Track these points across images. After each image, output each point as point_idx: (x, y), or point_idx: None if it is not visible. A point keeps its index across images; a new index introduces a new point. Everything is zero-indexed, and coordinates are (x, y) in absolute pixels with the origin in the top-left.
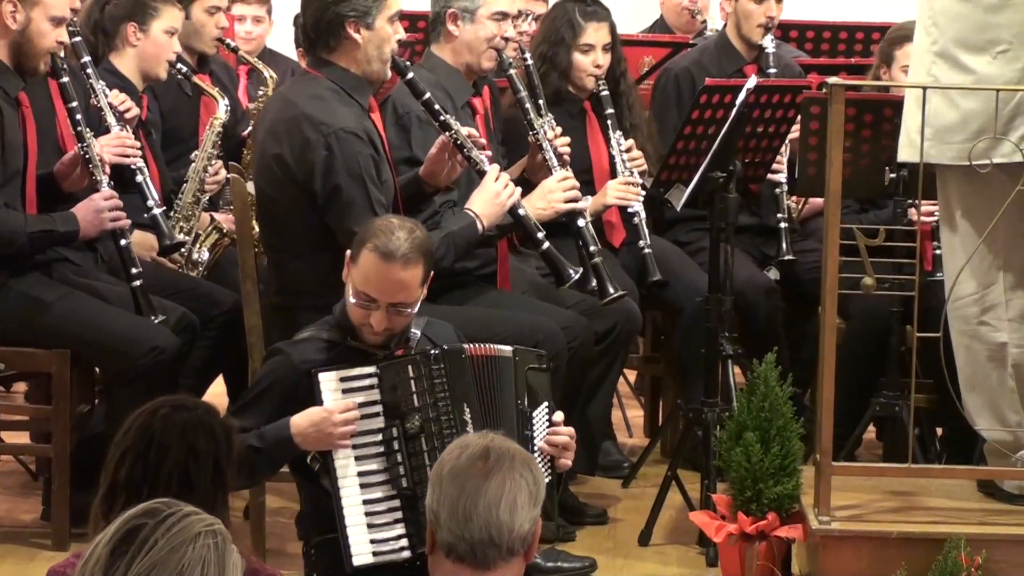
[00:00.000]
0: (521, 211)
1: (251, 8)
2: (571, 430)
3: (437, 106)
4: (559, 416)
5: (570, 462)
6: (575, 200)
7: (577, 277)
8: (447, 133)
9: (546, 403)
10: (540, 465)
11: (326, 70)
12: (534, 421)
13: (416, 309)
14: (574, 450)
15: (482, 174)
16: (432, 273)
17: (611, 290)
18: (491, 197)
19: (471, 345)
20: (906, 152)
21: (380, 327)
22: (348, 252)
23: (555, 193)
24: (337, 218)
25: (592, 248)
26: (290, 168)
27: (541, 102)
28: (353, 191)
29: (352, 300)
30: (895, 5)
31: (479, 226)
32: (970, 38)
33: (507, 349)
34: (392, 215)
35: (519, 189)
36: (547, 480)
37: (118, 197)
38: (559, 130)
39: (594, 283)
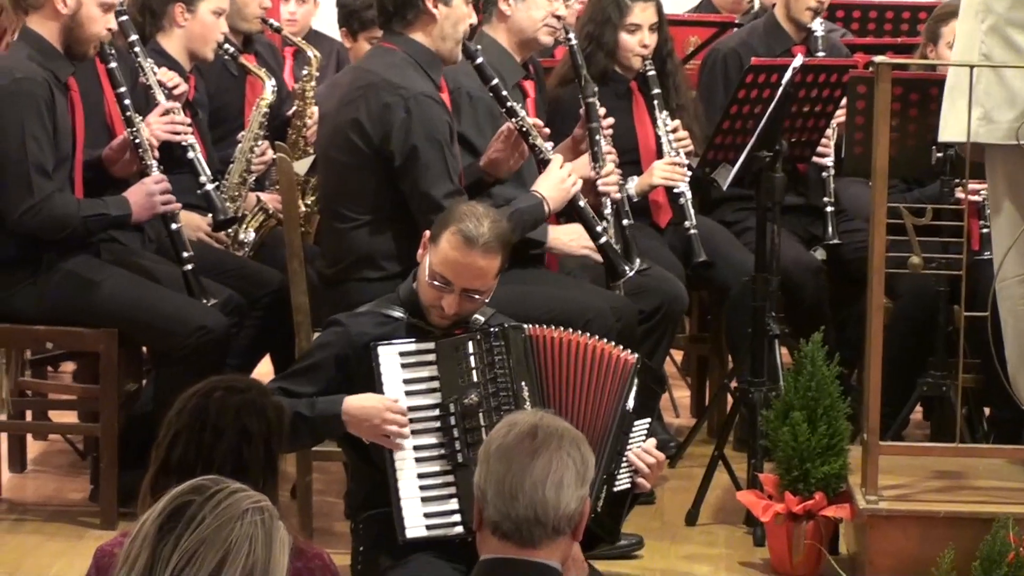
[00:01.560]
0: (581, 203)
1: None
2: (662, 455)
3: (504, 92)
4: (653, 441)
5: (649, 486)
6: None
7: (632, 275)
8: (514, 120)
9: (649, 419)
10: (624, 473)
11: (402, 43)
12: (635, 428)
13: (488, 297)
14: (657, 477)
15: (546, 163)
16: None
17: (624, 269)
18: (558, 182)
19: (535, 326)
20: (949, 131)
21: (451, 310)
22: (426, 233)
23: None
24: (412, 181)
25: (599, 229)
26: (367, 132)
27: (596, 109)
28: (430, 154)
29: (427, 280)
30: None
31: (545, 208)
32: (1021, 16)
33: (634, 356)
34: (476, 203)
35: (581, 182)
36: (620, 490)
37: (168, 180)
38: (603, 111)
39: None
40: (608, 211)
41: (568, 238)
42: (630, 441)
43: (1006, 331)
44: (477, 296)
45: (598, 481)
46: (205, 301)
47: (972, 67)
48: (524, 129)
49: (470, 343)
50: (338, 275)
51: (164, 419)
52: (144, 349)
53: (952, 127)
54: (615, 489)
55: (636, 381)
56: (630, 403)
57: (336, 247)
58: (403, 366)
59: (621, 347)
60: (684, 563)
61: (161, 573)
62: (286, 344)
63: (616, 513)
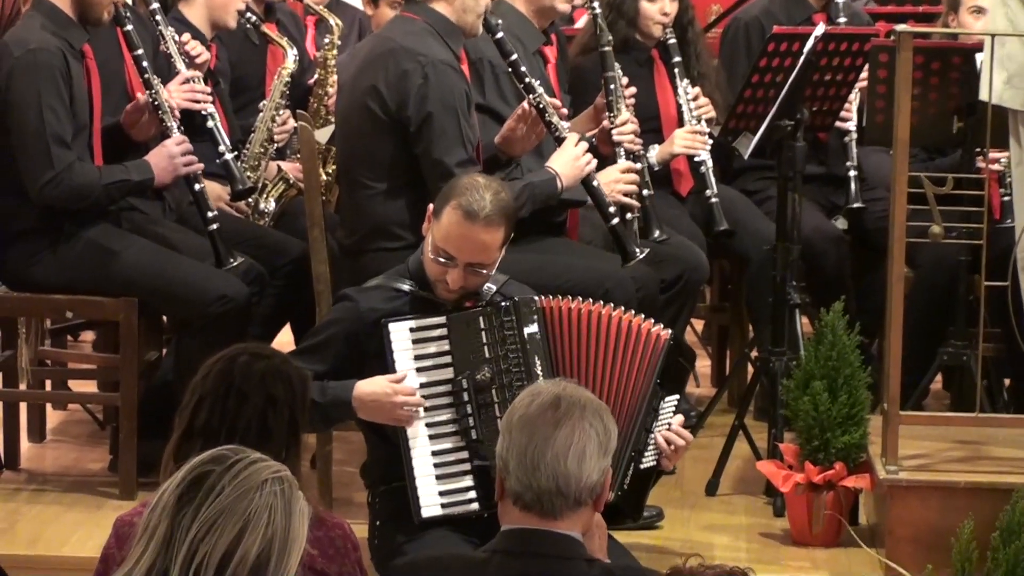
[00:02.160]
0: (595, 183)
1: None
2: (690, 436)
3: (523, 68)
4: (679, 419)
5: (673, 465)
6: (631, 195)
7: (643, 256)
8: (531, 96)
9: (678, 396)
10: (651, 451)
11: (423, 13)
12: (664, 405)
13: (493, 270)
14: (681, 456)
15: (561, 140)
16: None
17: (634, 251)
18: (571, 159)
19: (549, 298)
20: (984, 93)
21: (456, 285)
22: (431, 206)
23: (618, 184)
24: (426, 147)
25: (611, 210)
26: (383, 98)
27: (611, 59)
28: (445, 121)
29: (431, 255)
30: None
31: (558, 183)
32: None
33: (667, 332)
34: (479, 174)
35: (596, 161)
36: (646, 467)
37: (189, 142)
38: (626, 80)
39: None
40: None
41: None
42: (659, 418)
43: None
44: (483, 270)
45: (625, 458)
46: (232, 261)
47: (993, 36)
48: (541, 106)
49: (481, 318)
50: (357, 244)
51: (187, 386)
52: (164, 318)
53: (985, 90)
54: (641, 467)
55: (667, 358)
56: (660, 380)
57: (353, 216)
58: (414, 342)
59: (652, 321)
60: (704, 533)
61: (180, 543)
62: (306, 313)
63: (641, 490)
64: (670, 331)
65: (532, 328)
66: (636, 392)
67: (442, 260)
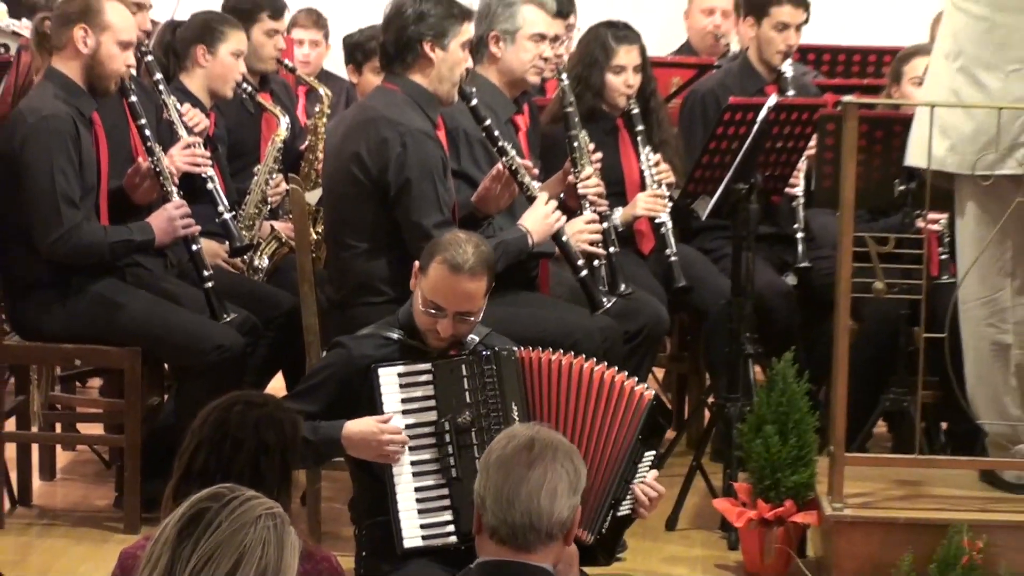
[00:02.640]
0: (564, 237)
1: (309, 33)
2: (663, 488)
3: (497, 133)
4: (655, 473)
5: (648, 515)
6: (596, 244)
7: (610, 306)
8: (504, 159)
9: (654, 452)
10: (627, 502)
11: (402, 84)
12: (644, 458)
13: (479, 318)
14: (656, 507)
15: (533, 199)
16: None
17: (602, 301)
18: (542, 217)
19: (526, 349)
20: (915, 158)
21: (446, 334)
22: (416, 263)
23: (583, 233)
24: (405, 211)
25: (579, 263)
26: (366, 164)
27: (576, 119)
28: (423, 186)
29: (421, 308)
30: (903, 30)
31: (529, 240)
32: (987, 58)
33: (651, 392)
34: (459, 230)
35: (565, 217)
36: (622, 515)
37: (187, 206)
38: (593, 146)
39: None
40: (587, 214)
41: (542, 224)
42: (638, 472)
43: (967, 350)
44: (471, 318)
45: (605, 506)
46: (225, 316)
47: (933, 106)
48: (513, 168)
49: (463, 366)
50: (343, 299)
51: (187, 430)
52: (166, 366)
53: (916, 155)
54: (619, 514)
55: (649, 417)
56: (641, 436)
57: (340, 273)
58: (401, 386)
59: (636, 380)
60: (664, 565)
61: (181, 574)
62: (297, 363)
63: (617, 535)
64: (652, 392)
65: (511, 377)
66: (619, 446)
67: (432, 312)
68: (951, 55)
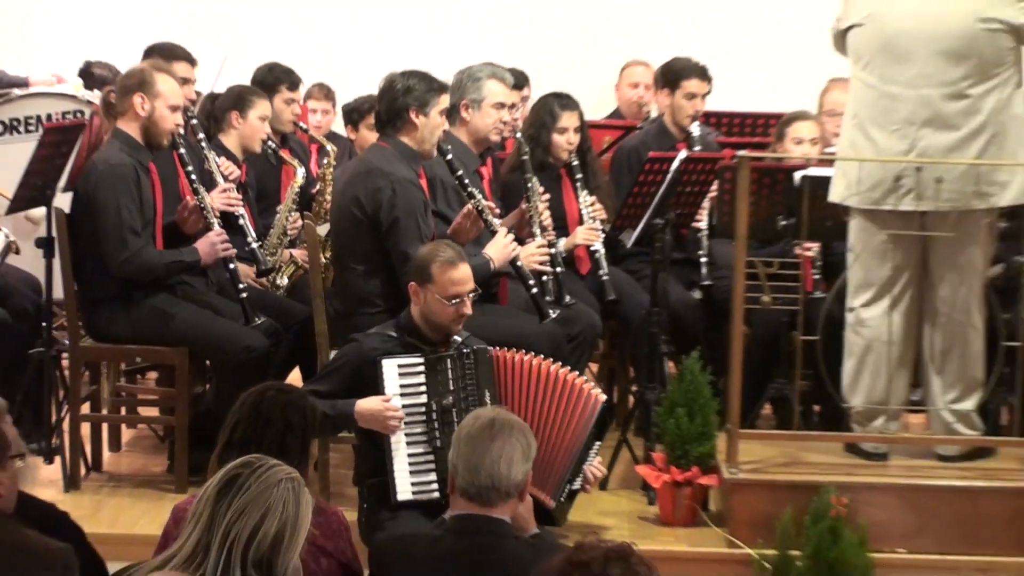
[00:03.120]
0: (519, 262)
1: (320, 103)
2: (605, 471)
3: (467, 181)
4: (599, 459)
5: (591, 489)
6: (544, 264)
7: (555, 316)
8: (472, 201)
9: (599, 443)
10: (579, 480)
11: (392, 143)
12: (594, 446)
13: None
14: (597, 483)
15: (494, 233)
16: None
17: (548, 313)
18: (501, 247)
19: (499, 348)
20: (832, 195)
21: (470, 310)
22: (412, 284)
23: (534, 256)
24: (394, 242)
25: (531, 282)
26: (363, 205)
27: (529, 168)
28: (408, 223)
29: (443, 307)
30: (786, 99)
31: (492, 265)
32: (876, 118)
33: (603, 397)
34: (429, 243)
35: (520, 246)
36: (574, 489)
37: (226, 234)
38: (542, 189)
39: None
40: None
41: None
42: (589, 456)
43: (846, 349)
44: (472, 295)
45: (564, 482)
46: (256, 319)
47: (809, 161)
48: (479, 208)
49: (448, 360)
50: (346, 310)
51: (225, 411)
52: (207, 363)
53: (831, 193)
54: (572, 488)
55: (601, 415)
56: (594, 431)
57: (343, 290)
58: (400, 375)
59: (592, 384)
60: (598, 517)
61: (219, 525)
62: (311, 360)
63: (570, 503)
64: (604, 396)
65: (486, 371)
66: (577, 435)
67: (455, 302)
68: (851, 114)
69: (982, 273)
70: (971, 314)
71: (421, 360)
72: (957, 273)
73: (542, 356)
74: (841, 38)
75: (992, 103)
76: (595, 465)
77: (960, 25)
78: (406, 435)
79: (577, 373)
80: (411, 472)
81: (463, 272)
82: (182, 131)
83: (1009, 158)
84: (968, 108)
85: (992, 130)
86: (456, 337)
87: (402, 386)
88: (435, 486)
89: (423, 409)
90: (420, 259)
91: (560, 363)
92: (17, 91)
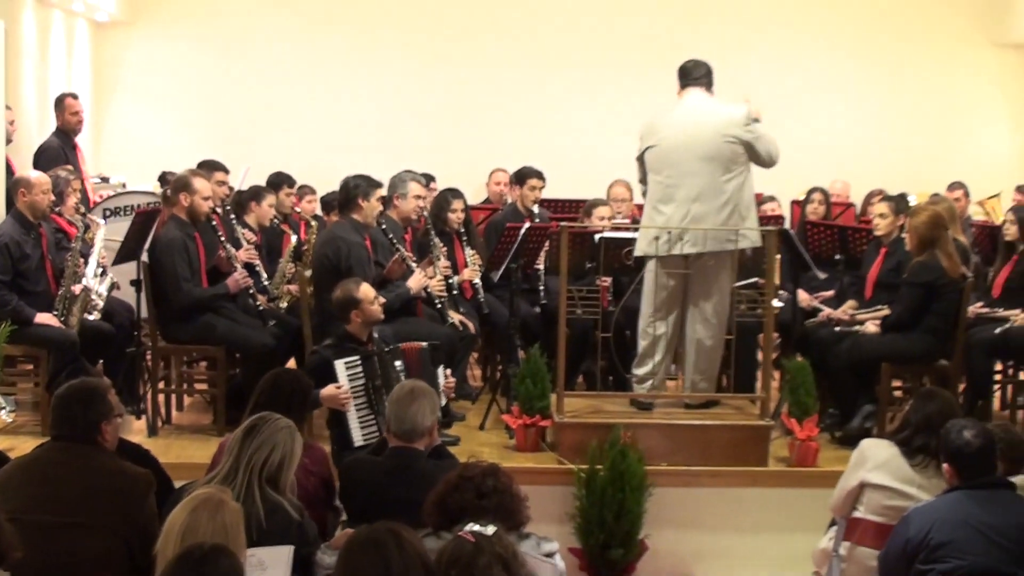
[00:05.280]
0: (428, 290)
1: (307, 196)
2: (454, 380)
3: (395, 241)
4: (448, 372)
5: (452, 395)
6: (442, 291)
7: (451, 322)
8: (398, 254)
9: (443, 366)
10: (440, 394)
11: (348, 219)
12: (438, 374)
13: None
14: (451, 392)
15: (412, 272)
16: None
17: (448, 321)
18: (417, 281)
19: (406, 344)
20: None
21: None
22: (351, 312)
23: (436, 287)
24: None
25: (436, 302)
26: (330, 258)
27: (433, 233)
28: (357, 269)
29: (369, 314)
30: (594, 186)
31: (410, 292)
32: (664, 199)
33: (424, 344)
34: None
35: (428, 281)
36: (443, 402)
37: (247, 275)
38: (442, 245)
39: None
40: (438, 276)
41: (416, 285)
42: (439, 378)
43: (640, 342)
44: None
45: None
46: (271, 322)
47: (604, 231)
48: (403, 258)
49: (375, 356)
50: (322, 323)
51: (251, 388)
52: (237, 355)
53: (637, 249)
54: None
55: (431, 355)
56: (432, 364)
57: (320, 310)
58: (347, 368)
59: (423, 344)
60: (478, 447)
61: (243, 455)
62: (301, 352)
63: (446, 411)
64: (426, 343)
65: (398, 360)
66: (427, 372)
67: (374, 307)
68: (649, 201)
69: (728, 293)
70: (720, 319)
71: (358, 358)
72: (715, 293)
73: (435, 348)
74: (643, 158)
75: (733, 187)
76: (447, 382)
77: (711, 140)
78: (355, 407)
79: (426, 345)
80: (360, 428)
81: (368, 287)
82: (219, 211)
83: (744, 221)
84: (719, 190)
85: (734, 203)
86: (381, 339)
87: (349, 376)
88: (376, 433)
89: (363, 389)
90: (345, 291)
91: (427, 343)
92: (120, 189)
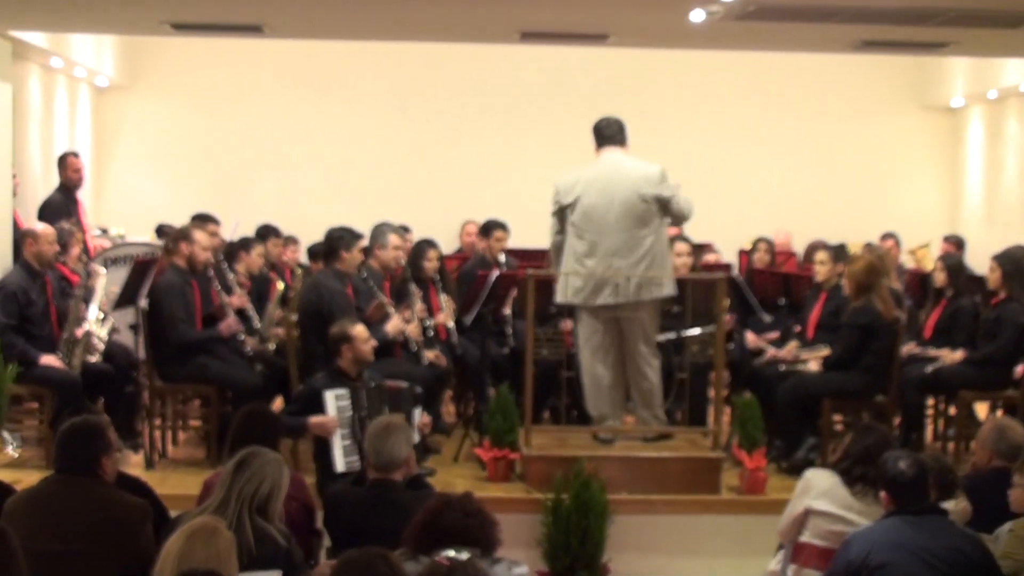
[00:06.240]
0: (405, 332)
1: (292, 246)
2: (429, 419)
3: (375, 288)
4: (421, 411)
5: (427, 431)
6: (418, 334)
7: (427, 363)
8: (378, 299)
9: (420, 406)
10: (415, 431)
11: (331, 269)
12: (415, 412)
13: None
14: (427, 430)
15: (389, 316)
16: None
17: (424, 360)
18: (394, 325)
19: (389, 381)
20: (559, 297)
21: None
22: (343, 346)
23: (412, 329)
24: (333, 323)
25: (411, 345)
26: (313, 304)
27: (411, 281)
28: (339, 314)
29: (360, 352)
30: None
31: (388, 334)
32: (587, 253)
33: (405, 384)
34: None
35: (405, 325)
36: (417, 440)
37: (237, 320)
38: (419, 292)
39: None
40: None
41: (394, 329)
42: (414, 416)
43: (585, 378)
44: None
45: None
46: (259, 367)
47: (558, 275)
48: (382, 303)
49: (363, 391)
50: (307, 363)
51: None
52: (228, 394)
53: (557, 296)
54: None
55: (410, 394)
56: (412, 402)
57: (305, 351)
58: (336, 399)
59: (405, 384)
60: (454, 479)
61: (235, 487)
62: (288, 390)
63: (419, 446)
64: (407, 384)
65: (383, 394)
66: (404, 408)
67: (366, 347)
68: (571, 255)
69: (653, 335)
70: (650, 360)
71: (347, 390)
72: (639, 337)
73: (412, 386)
74: (560, 213)
75: (650, 241)
76: (422, 420)
77: (628, 199)
78: (340, 436)
79: (406, 384)
80: (344, 456)
81: (363, 328)
82: (213, 260)
83: (661, 272)
84: (637, 244)
85: (651, 256)
86: (367, 375)
87: (337, 407)
88: (358, 463)
89: (349, 420)
90: (339, 331)
91: (409, 383)
92: (119, 240)
